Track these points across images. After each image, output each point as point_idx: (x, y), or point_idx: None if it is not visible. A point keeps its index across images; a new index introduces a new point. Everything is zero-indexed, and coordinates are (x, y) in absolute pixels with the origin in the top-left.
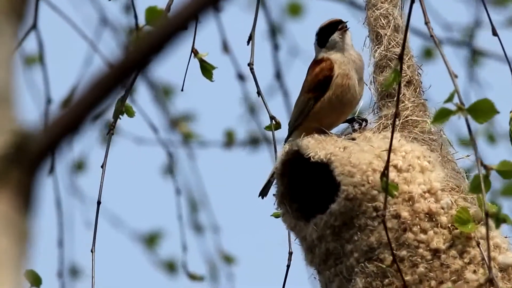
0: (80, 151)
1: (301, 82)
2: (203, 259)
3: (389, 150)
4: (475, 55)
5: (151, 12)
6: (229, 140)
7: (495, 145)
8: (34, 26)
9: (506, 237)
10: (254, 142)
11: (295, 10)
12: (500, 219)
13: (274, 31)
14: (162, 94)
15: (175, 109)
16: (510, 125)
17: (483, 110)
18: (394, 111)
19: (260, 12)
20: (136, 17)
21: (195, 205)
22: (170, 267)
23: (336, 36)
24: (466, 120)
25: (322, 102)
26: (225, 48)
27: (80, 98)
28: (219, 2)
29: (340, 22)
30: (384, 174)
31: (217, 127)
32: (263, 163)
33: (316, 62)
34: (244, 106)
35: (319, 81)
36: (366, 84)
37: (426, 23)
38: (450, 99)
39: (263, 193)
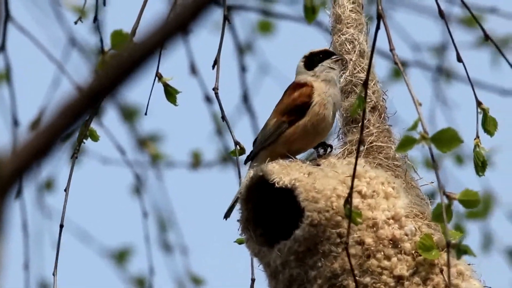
0: (49, 172)
1: (271, 102)
2: (172, 279)
3: (353, 177)
4: (443, 76)
5: (117, 35)
6: (196, 161)
7: (462, 166)
8: (2, 48)
9: (469, 265)
10: (223, 161)
11: (265, 28)
12: (461, 250)
13: (241, 53)
14: (130, 115)
15: (142, 130)
16: (474, 153)
17: (447, 139)
18: (358, 137)
19: (230, 32)
20: (101, 40)
21: (164, 225)
22: (140, 283)
23: (327, 63)
24: (430, 149)
25: (296, 127)
26: (193, 70)
27: (49, 122)
28: (187, 27)
29: (334, 53)
30: (348, 201)
31: (185, 148)
32: (231, 183)
33: (296, 85)
34: (212, 128)
35: (296, 106)
36: None
37: (391, 50)
38: (414, 128)
39: (227, 215)
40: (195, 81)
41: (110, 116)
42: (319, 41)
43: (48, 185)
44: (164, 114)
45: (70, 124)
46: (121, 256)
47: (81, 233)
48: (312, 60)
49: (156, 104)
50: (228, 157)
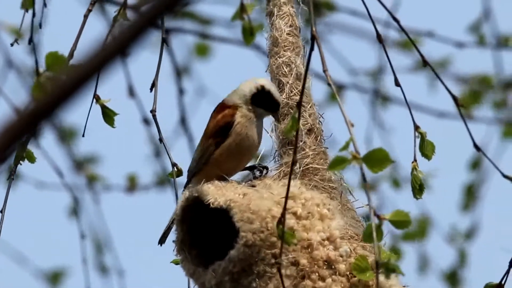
0: None
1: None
2: None
3: (286, 198)
4: (380, 100)
5: (52, 57)
6: (132, 184)
7: (399, 189)
8: None
9: (404, 287)
10: (160, 183)
11: (202, 51)
12: (390, 269)
13: (179, 76)
14: (67, 137)
15: (79, 152)
16: (412, 176)
17: (378, 160)
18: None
19: (168, 55)
20: (36, 62)
21: (100, 247)
22: None
23: (266, 113)
24: (361, 169)
25: (222, 148)
26: (131, 93)
27: None
28: (126, 49)
29: (278, 106)
30: (281, 221)
31: (123, 171)
32: (169, 205)
33: (221, 108)
34: (150, 149)
35: (220, 127)
36: (267, 132)
37: (324, 71)
38: (345, 148)
39: (162, 240)
40: (133, 103)
41: (47, 139)
42: (256, 64)
43: None
44: (101, 137)
45: (8, 147)
46: (55, 278)
47: (16, 255)
48: (258, 97)
49: (94, 126)
50: (166, 179)
